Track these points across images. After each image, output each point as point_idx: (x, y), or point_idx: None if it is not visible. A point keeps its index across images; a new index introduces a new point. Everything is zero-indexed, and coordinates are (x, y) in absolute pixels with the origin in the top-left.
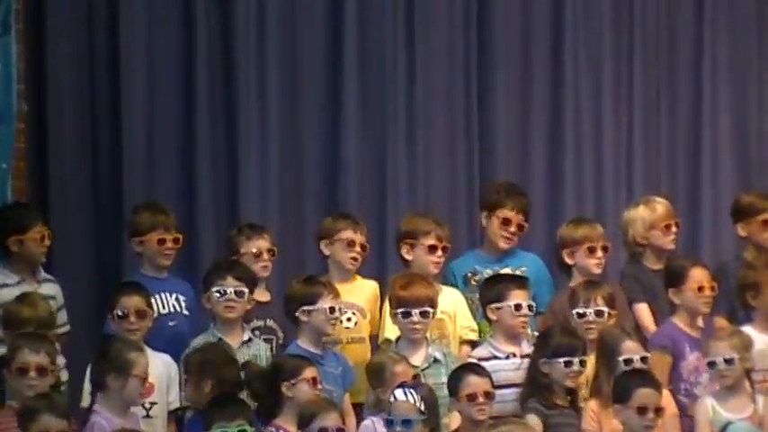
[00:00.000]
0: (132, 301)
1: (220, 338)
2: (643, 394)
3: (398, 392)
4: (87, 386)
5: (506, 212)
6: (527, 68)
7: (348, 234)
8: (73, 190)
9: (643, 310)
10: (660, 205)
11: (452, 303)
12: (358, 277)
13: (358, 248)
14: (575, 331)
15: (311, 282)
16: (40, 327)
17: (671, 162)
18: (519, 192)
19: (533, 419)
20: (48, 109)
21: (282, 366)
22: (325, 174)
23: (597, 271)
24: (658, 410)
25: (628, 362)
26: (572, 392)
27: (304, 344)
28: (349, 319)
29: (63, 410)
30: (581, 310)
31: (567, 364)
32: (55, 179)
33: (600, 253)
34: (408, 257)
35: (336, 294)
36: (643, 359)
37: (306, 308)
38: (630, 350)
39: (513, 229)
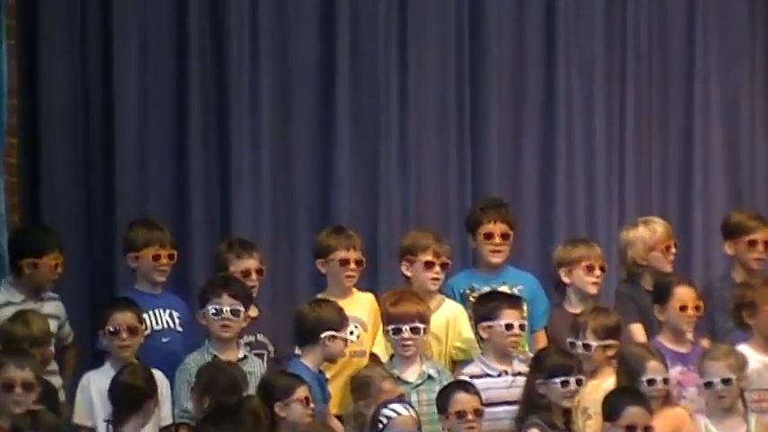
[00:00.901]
0: (124, 318)
1: (215, 356)
2: (632, 413)
3: (399, 407)
4: (80, 398)
5: (486, 227)
6: (519, 86)
7: (341, 254)
8: (65, 205)
9: (637, 330)
10: (660, 226)
11: (445, 322)
12: (355, 290)
13: (353, 266)
14: (569, 351)
15: (335, 308)
16: (34, 345)
17: (662, 179)
18: (496, 204)
19: None
20: (40, 124)
21: (274, 386)
22: (317, 191)
23: (594, 291)
24: (647, 429)
25: (651, 382)
26: (566, 413)
27: (309, 363)
28: (351, 333)
29: (52, 427)
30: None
31: (564, 383)
32: (47, 194)
33: (598, 272)
34: (408, 274)
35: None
36: (665, 380)
37: (331, 333)
38: (654, 370)
39: (497, 240)
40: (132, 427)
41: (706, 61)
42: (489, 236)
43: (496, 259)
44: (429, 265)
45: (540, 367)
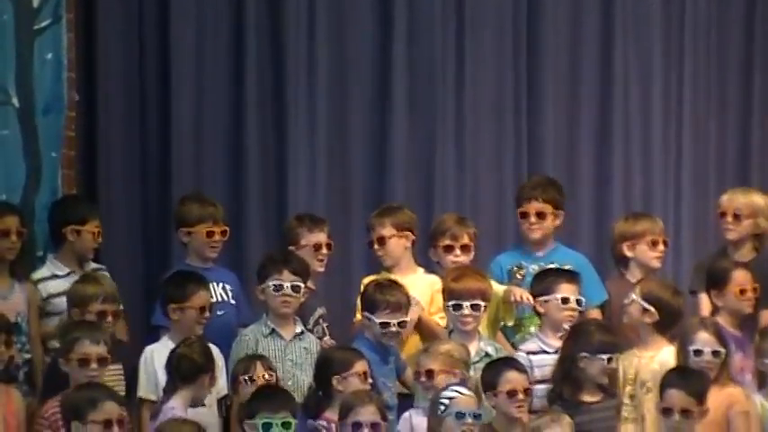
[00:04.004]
0: (201, 299)
1: (273, 329)
2: (669, 395)
3: (460, 388)
4: (144, 372)
5: (522, 207)
6: (575, 68)
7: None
8: (121, 178)
9: (705, 301)
10: None
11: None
12: (420, 270)
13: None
14: (612, 328)
15: (403, 293)
16: (106, 301)
17: (720, 161)
18: (533, 183)
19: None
20: (97, 97)
21: (333, 359)
22: (373, 171)
23: (657, 265)
24: (685, 412)
25: (697, 353)
26: (601, 388)
27: (370, 337)
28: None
29: (122, 400)
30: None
31: (610, 360)
32: (103, 167)
33: (661, 247)
34: (435, 259)
35: None
36: (715, 353)
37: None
38: (703, 342)
39: (532, 219)
40: (182, 397)
41: (765, 41)
42: (524, 215)
43: (534, 235)
44: (448, 249)
45: (585, 342)
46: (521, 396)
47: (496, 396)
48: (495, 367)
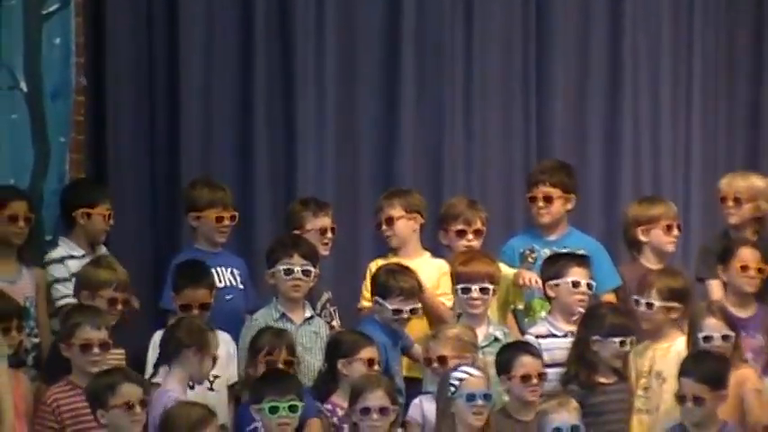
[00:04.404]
0: (195, 295)
1: (283, 314)
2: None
3: (469, 369)
4: (152, 356)
5: (531, 192)
6: (584, 45)
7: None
8: (130, 162)
9: (714, 287)
10: None
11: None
12: (426, 254)
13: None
14: (626, 311)
15: (413, 278)
16: (118, 289)
17: (729, 141)
18: (541, 168)
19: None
20: (106, 82)
21: (340, 343)
22: (381, 152)
23: (672, 249)
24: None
25: (707, 339)
26: (616, 372)
27: (380, 321)
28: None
29: (140, 379)
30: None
31: (623, 344)
32: (112, 152)
33: (676, 231)
34: (445, 242)
35: None
36: (725, 337)
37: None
38: (711, 327)
39: (540, 204)
40: (176, 379)
41: None
42: (533, 199)
43: (542, 219)
44: (461, 233)
45: (597, 325)
46: (534, 381)
47: (510, 380)
48: (510, 352)
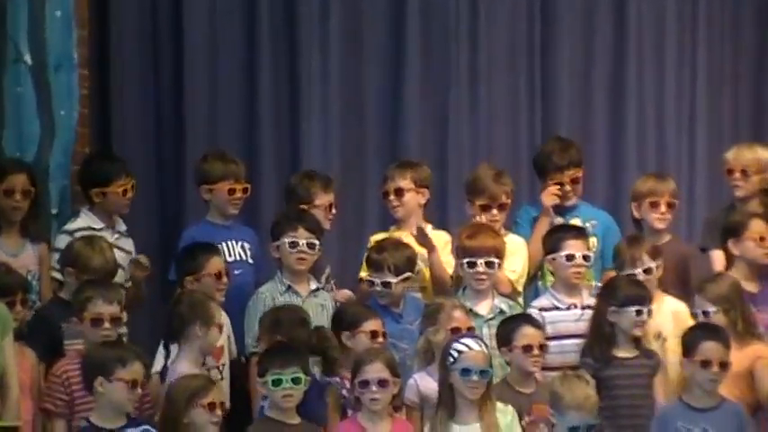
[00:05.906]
0: (215, 265)
1: (289, 286)
2: (707, 348)
3: (470, 342)
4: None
5: (556, 179)
6: (589, 19)
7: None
8: (135, 136)
9: (716, 257)
10: None
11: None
12: (428, 226)
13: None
14: (641, 281)
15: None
16: (107, 276)
17: (734, 114)
18: (559, 156)
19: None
20: (111, 55)
21: (344, 315)
22: (387, 125)
23: (660, 226)
24: (723, 365)
25: (705, 314)
26: (636, 339)
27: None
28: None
29: (147, 362)
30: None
31: (638, 312)
32: (117, 125)
33: (663, 208)
34: (470, 212)
35: None
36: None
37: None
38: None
39: (568, 188)
40: (186, 360)
41: None
42: (560, 183)
43: (571, 201)
44: (486, 208)
45: (614, 296)
46: (536, 351)
47: (512, 351)
48: (511, 323)
